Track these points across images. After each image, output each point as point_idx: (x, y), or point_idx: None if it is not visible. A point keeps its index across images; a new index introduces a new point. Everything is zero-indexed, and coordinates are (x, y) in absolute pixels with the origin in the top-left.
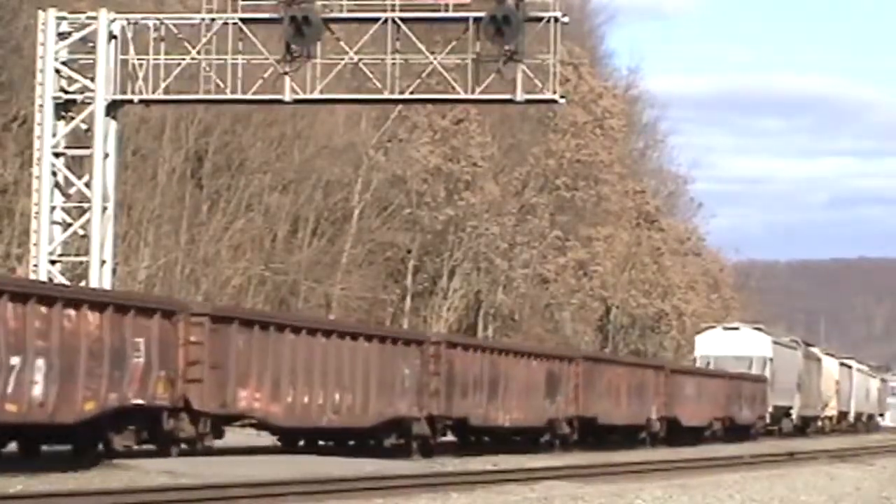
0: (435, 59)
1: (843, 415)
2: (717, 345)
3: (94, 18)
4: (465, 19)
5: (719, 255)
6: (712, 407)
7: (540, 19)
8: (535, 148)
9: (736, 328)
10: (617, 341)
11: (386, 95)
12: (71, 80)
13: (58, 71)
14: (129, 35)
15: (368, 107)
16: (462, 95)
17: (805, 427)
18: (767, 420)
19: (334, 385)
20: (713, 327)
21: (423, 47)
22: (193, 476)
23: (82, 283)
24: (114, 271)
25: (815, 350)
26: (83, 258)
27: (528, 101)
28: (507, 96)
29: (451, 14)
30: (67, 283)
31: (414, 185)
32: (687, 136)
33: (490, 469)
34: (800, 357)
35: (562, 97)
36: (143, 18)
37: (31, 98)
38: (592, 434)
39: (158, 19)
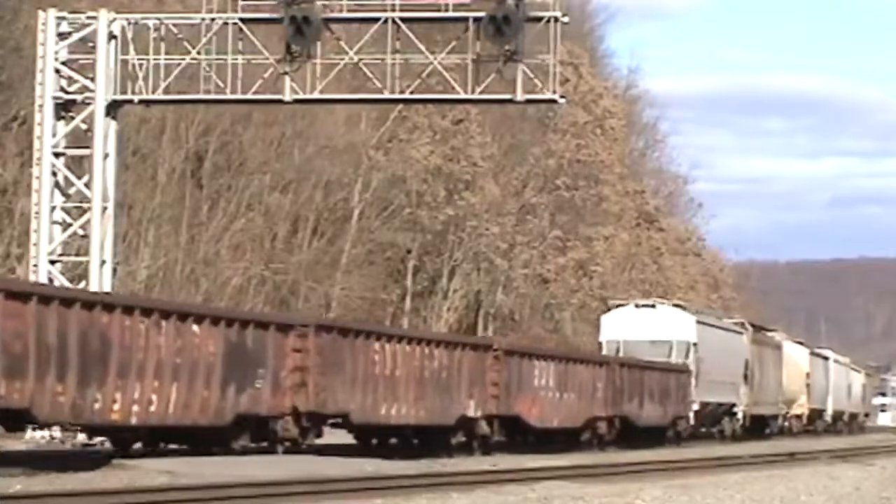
0: (435, 59)
1: (817, 413)
2: (628, 327)
3: (94, 18)
4: (465, 19)
5: (719, 255)
6: (588, 403)
7: (540, 19)
8: (535, 148)
9: (651, 306)
10: None
11: (386, 95)
12: (71, 80)
13: (58, 71)
14: (129, 35)
15: (368, 107)
16: (462, 95)
17: (762, 428)
18: (691, 420)
19: None
20: (624, 304)
21: (423, 47)
22: (193, 476)
23: (82, 284)
24: (114, 271)
25: (774, 336)
26: (83, 258)
27: (528, 101)
28: (507, 96)
29: (451, 14)
30: (67, 283)
31: (414, 185)
32: (687, 136)
33: (490, 469)
34: (745, 343)
35: (562, 97)
36: (143, 18)
37: (31, 98)
38: (361, 436)
39: (158, 19)
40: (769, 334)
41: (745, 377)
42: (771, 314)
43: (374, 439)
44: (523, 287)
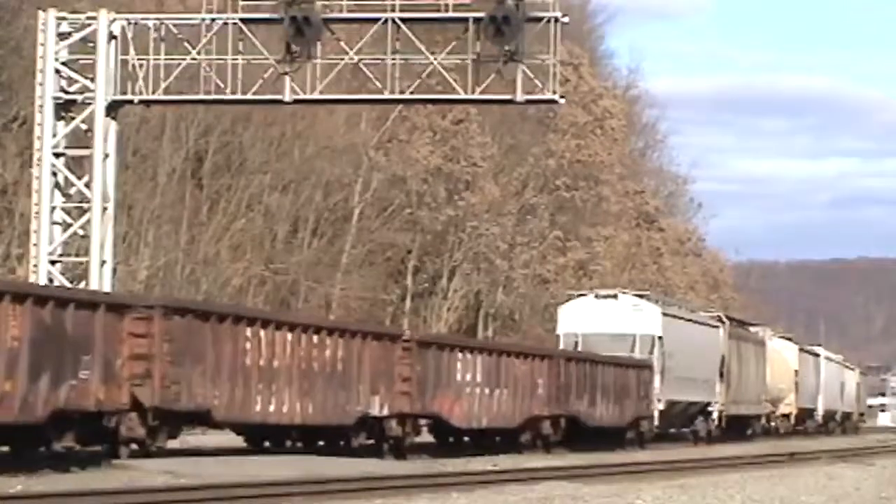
0: (435, 59)
1: (807, 413)
2: (587, 319)
3: (94, 19)
4: (465, 19)
5: (719, 255)
6: (526, 401)
7: (540, 19)
8: (535, 148)
9: (613, 296)
10: None
11: (386, 95)
12: (71, 81)
13: (58, 71)
14: (129, 35)
15: (368, 107)
16: (462, 95)
17: (744, 429)
18: (656, 421)
19: None
20: (583, 295)
21: (423, 47)
22: (193, 476)
23: (82, 284)
24: (114, 271)
25: (757, 331)
26: (83, 258)
27: (528, 102)
28: (507, 96)
29: (451, 14)
30: (67, 283)
31: (414, 186)
32: (687, 136)
33: (490, 469)
34: (720, 338)
35: (561, 97)
36: (143, 18)
37: (31, 98)
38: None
39: (158, 19)
40: (753, 329)
41: (721, 374)
42: (771, 314)
43: (266, 441)
44: (523, 287)
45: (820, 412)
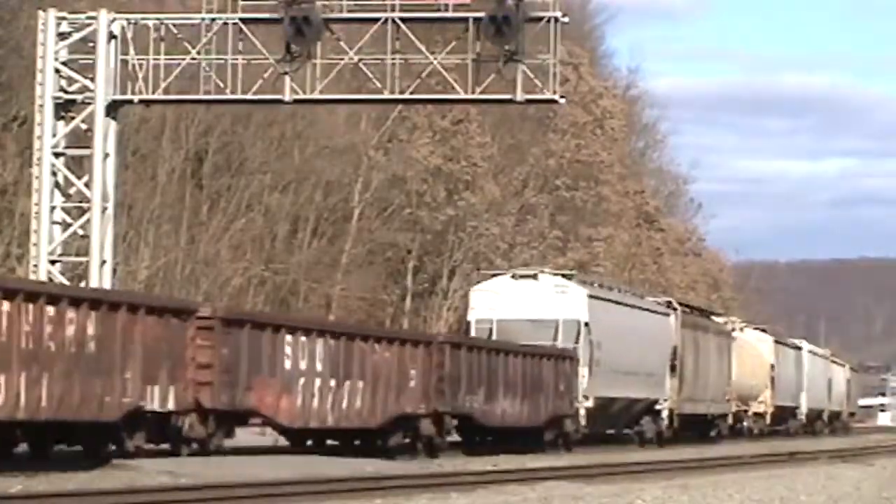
0: (435, 59)
1: (789, 412)
2: (503, 303)
3: (94, 18)
4: (465, 19)
5: (719, 255)
6: (392, 396)
7: (540, 19)
8: (535, 148)
9: (532, 276)
10: None
11: (386, 95)
12: (71, 80)
13: (58, 71)
14: (129, 35)
15: (368, 107)
16: (462, 95)
17: (706, 430)
18: (583, 420)
19: None
20: (498, 275)
21: (423, 47)
22: (193, 476)
23: (82, 284)
24: (114, 271)
25: (723, 321)
26: (83, 258)
27: (528, 101)
28: (507, 96)
29: (451, 14)
30: (67, 282)
31: (414, 186)
32: (688, 136)
33: (490, 469)
34: (671, 327)
35: (562, 97)
36: (143, 18)
37: (31, 98)
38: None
39: (158, 19)
40: (717, 319)
41: (673, 368)
42: (771, 314)
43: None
44: None
45: (803, 411)
